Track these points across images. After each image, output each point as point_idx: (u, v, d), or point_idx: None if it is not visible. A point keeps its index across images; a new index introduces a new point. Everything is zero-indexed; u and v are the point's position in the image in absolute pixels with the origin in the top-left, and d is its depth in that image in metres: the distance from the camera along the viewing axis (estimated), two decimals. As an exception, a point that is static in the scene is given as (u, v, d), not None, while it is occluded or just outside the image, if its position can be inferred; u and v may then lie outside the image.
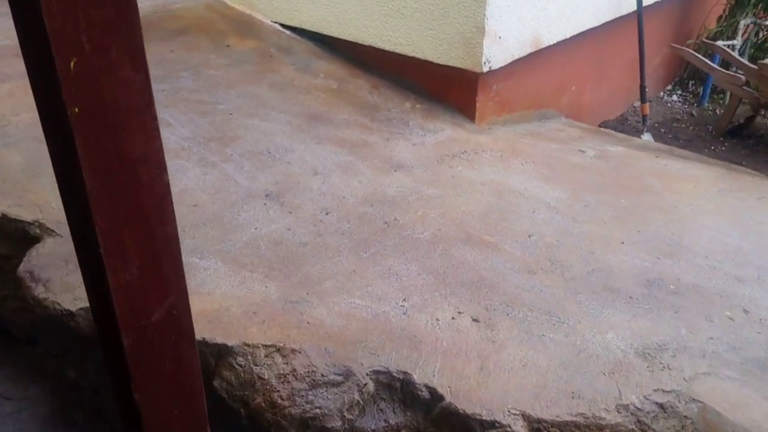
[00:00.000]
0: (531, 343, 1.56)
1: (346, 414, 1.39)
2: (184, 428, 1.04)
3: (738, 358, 1.59)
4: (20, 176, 2.09)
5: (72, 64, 0.69)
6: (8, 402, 1.83)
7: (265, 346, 1.46)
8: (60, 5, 0.66)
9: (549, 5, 2.92)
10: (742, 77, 3.90)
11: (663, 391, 1.46)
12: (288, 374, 1.42)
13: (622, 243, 2.04)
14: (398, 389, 1.44)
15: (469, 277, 1.79)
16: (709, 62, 4.18)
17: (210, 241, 1.84)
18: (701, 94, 4.73)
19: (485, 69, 2.70)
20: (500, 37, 2.70)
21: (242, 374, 1.43)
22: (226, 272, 1.72)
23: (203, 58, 3.13)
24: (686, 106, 4.70)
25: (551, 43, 3.04)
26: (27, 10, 0.67)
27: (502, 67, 2.81)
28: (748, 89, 3.90)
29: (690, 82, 5.04)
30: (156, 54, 3.05)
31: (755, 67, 3.84)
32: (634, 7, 3.67)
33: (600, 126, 3.96)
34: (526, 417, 1.36)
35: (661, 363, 1.54)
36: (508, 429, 1.34)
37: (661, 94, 4.90)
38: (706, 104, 4.69)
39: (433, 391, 1.41)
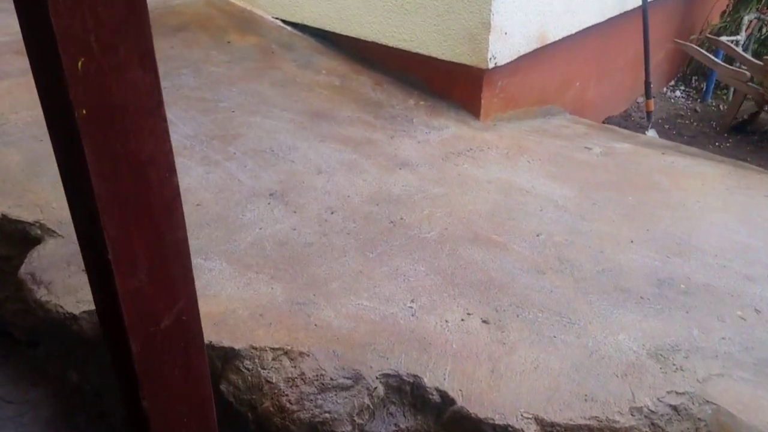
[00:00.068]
0: (542, 345, 1.54)
1: (356, 418, 1.37)
2: (194, 437, 1.01)
3: (751, 359, 1.57)
4: (20, 176, 2.05)
5: (79, 64, 0.66)
6: (9, 405, 1.80)
7: (273, 349, 1.44)
8: (67, 2, 0.63)
9: (555, 0, 2.89)
10: (747, 73, 3.88)
11: (676, 393, 1.44)
12: (296, 378, 1.39)
13: (632, 242, 2.02)
14: (408, 393, 1.42)
15: (477, 278, 1.77)
16: (714, 58, 4.15)
17: (215, 242, 1.81)
18: (704, 89, 4.70)
19: (491, 65, 2.67)
20: (506, 33, 2.67)
21: (250, 378, 1.41)
22: (231, 273, 1.69)
23: (204, 55, 3.10)
24: (689, 102, 4.67)
25: (557, 38, 3.01)
26: (32, 7, 0.64)
27: (507, 63, 2.78)
28: (753, 85, 3.87)
29: (693, 77, 5.02)
30: (156, 51, 3.01)
31: (760, 63, 3.82)
32: (639, 3, 3.64)
33: (603, 122, 3.93)
34: (539, 421, 1.34)
35: (674, 364, 1.52)
36: (520, 433, 1.32)
37: (664, 89, 4.87)
38: (710, 100, 4.67)
39: (444, 395, 1.38)
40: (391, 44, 2.98)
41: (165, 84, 2.76)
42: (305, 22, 3.30)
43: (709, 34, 4.64)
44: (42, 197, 1.95)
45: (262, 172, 2.22)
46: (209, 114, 2.58)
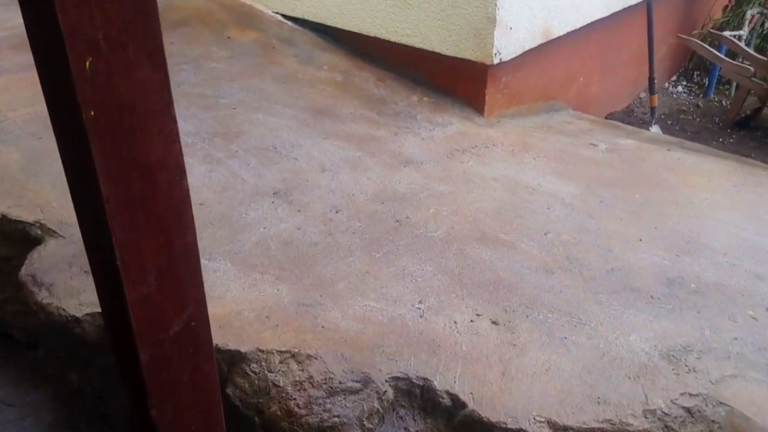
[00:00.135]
0: (553, 347, 1.51)
1: (365, 423, 1.34)
2: (204, 446, 0.98)
3: (764, 360, 1.55)
4: (19, 175, 2.02)
5: (87, 63, 0.63)
6: (10, 408, 1.77)
7: (280, 351, 1.41)
8: (74, -2, 0.60)
9: (559, -5, 2.86)
10: (751, 68, 3.85)
11: (690, 394, 1.42)
12: (304, 381, 1.37)
13: (640, 240, 2.00)
14: (418, 396, 1.39)
15: (486, 278, 1.74)
16: (718, 53, 4.12)
17: (218, 242, 1.78)
18: (707, 85, 4.67)
19: (496, 60, 2.64)
20: (511, 28, 2.64)
21: (256, 381, 1.38)
22: (236, 274, 1.66)
23: (204, 51, 3.06)
24: (692, 97, 4.65)
25: (561, 33, 2.97)
26: (38, 3, 0.61)
27: (512, 59, 2.75)
28: (757, 80, 3.85)
29: (695, 72, 4.98)
30: (156, 46, 2.97)
31: (764, 58, 3.79)
32: (642, -3, 3.61)
33: (607, 117, 3.90)
34: (551, 424, 1.32)
35: (686, 365, 1.50)
36: (533, 437, 1.30)
37: (666, 84, 4.84)
38: (712, 95, 4.64)
39: (454, 398, 1.36)
40: (393, 39, 2.94)
41: (165, 80, 2.73)
42: (306, 17, 3.26)
43: (712, 29, 4.61)
44: (42, 196, 1.91)
45: (265, 171, 2.19)
46: (210, 111, 2.55)
